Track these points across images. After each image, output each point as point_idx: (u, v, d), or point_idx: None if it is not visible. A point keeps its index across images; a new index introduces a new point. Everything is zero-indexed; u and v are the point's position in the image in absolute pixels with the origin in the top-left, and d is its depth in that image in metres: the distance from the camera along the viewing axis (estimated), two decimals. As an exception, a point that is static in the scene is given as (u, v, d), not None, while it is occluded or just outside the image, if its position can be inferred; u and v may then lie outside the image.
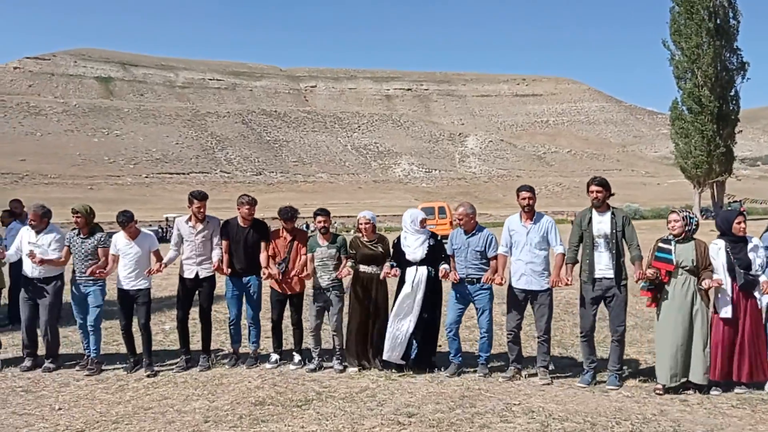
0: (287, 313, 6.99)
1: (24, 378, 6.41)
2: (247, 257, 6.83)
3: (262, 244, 6.87)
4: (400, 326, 6.31)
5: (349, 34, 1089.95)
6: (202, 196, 6.77)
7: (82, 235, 6.77)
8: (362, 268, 6.66)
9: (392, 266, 6.43)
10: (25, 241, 6.86)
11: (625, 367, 6.27)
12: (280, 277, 6.75)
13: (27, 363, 6.78)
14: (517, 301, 6.35)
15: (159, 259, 6.83)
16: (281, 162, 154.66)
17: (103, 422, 5.10)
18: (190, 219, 6.86)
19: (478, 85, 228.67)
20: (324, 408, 5.34)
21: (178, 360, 6.88)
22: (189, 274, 6.81)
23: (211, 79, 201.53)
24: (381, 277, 6.55)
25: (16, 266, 7.71)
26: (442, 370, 6.43)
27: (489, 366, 6.46)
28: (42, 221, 6.83)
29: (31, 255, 6.57)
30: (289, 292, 6.89)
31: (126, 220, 6.66)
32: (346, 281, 6.80)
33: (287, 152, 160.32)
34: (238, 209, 6.91)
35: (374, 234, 6.73)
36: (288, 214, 6.84)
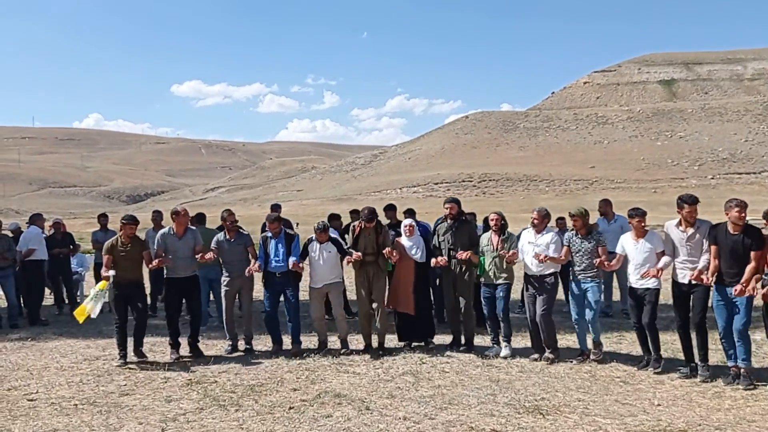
0: None
1: (620, 369, 6.94)
2: (738, 265, 6.28)
3: (752, 254, 6.20)
4: None
5: None
6: (692, 201, 6.56)
7: (579, 236, 7.23)
8: None
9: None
10: (525, 240, 7.58)
11: None
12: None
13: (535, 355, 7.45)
14: None
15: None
16: None
17: (705, 426, 5.15)
18: (680, 223, 6.71)
19: None
20: None
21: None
22: (682, 279, 6.68)
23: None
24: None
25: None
26: None
27: None
28: (543, 222, 7.45)
29: (536, 255, 7.23)
30: None
31: (640, 214, 6.89)
32: None
33: None
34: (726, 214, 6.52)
35: None
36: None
